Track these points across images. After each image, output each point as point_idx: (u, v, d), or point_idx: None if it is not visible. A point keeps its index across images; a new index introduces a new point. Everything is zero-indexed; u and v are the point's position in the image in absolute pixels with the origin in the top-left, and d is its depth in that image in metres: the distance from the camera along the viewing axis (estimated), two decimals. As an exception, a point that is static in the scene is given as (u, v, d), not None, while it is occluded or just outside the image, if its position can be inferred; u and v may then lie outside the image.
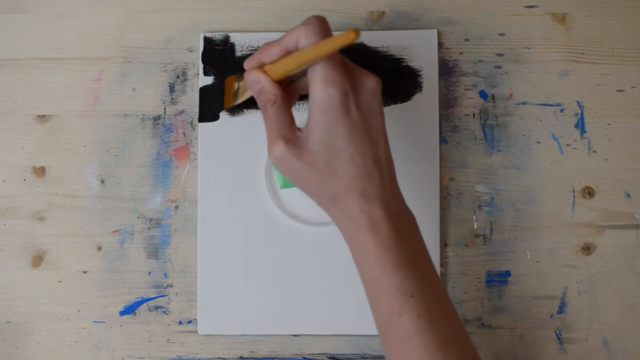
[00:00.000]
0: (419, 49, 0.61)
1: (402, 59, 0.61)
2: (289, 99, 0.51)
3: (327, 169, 0.48)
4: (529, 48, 0.62)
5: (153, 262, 0.61)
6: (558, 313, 0.61)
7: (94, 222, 0.62)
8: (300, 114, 0.60)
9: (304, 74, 0.50)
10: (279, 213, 0.60)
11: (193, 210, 0.61)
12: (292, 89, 0.52)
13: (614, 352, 0.60)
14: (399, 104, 0.61)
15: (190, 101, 0.62)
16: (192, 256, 0.61)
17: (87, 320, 0.61)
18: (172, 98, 0.62)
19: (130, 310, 0.61)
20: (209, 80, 0.61)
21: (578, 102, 0.62)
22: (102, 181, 0.62)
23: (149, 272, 0.61)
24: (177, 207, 0.62)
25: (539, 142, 0.62)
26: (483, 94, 0.62)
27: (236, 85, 0.55)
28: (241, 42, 0.62)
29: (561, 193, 0.61)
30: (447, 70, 0.62)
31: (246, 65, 0.51)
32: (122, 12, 0.63)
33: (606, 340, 0.60)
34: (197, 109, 0.62)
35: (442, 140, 0.61)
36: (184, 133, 0.62)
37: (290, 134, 0.48)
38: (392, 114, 0.61)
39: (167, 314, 0.61)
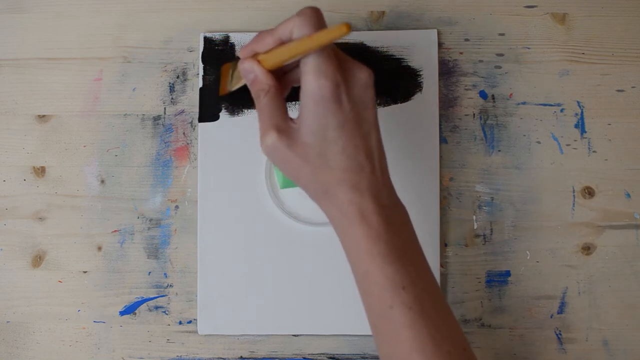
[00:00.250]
0: (419, 49, 0.61)
1: (402, 59, 0.61)
2: (283, 90, 0.51)
3: (319, 161, 0.48)
4: (529, 48, 0.62)
5: (153, 262, 0.61)
6: (558, 313, 0.61)
7: (94, 222, 0.62)
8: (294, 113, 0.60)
9: (297, 65, 0.50)
10: (279, 213, 0.60)
11: (193, 210, 0.61)
12: (285, 79, 0.52)
13: (614, 352, 0.60)
14: (399, 104, 0.61)
15: (190, 101, 0.62)
16: (192, 256, 0.61)
17: (87, 320, 0.61)
18: (172, 98, 0.62)
19: (130, 310, 0.61)
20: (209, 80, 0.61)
21: (578, 102, 0.62)
22: (102, 181, 0.62)
23: (149, 272, 0.61)
24: (177, 207, 0.62)
25: (539, 142, 0.62)
26: (483, 94, 0.62)
27: (230, 72, 0.55)
28: (241, 42, 0.62)
29: (561, 193, 0.61)
30: (447, 70, 0.62)
31: (240, 54, 0.51)
32: (122, 12, 0.63)
33: (606, 340, 0.60)
34: (197, 109, 0.62)
35: (442, 140, 0.61)
36: (184, 133, 0.62)
37: (282, 124, 0.48)
38: (392, 114, 0.61)
39: (167, 314, 0.61)
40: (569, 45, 0.62)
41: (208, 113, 0.61)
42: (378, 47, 0.61)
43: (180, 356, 0.61)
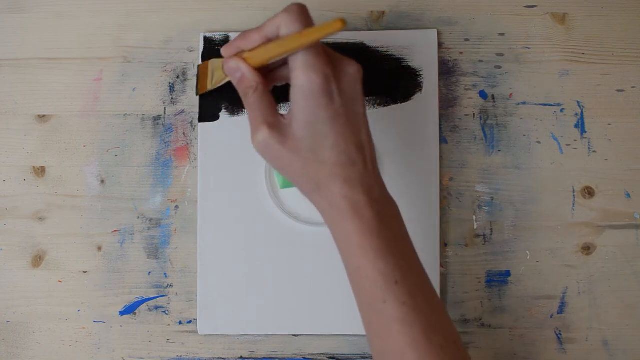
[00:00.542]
0: (419, 49, 0.61)
1: (402, 59, 0.61)
2: (268, 86, 0.51)
3: (311, 155, 0.48)
4: (529, 48, 0.62)
5: (153, 262, 0.61)
6: (558, 313, 0.61)
7: (94, 222, 0.62)
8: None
9: (283, 62, 0.50)
10: (279, 213, 0.60)
11: (193, 210, 0.61)
12: (271, 76, 0.52)
13: (614, 352, 0.60)
14: (399, 104, 0.61)
15: (190, 101, 0.62)
16: (192, 256, 0.61)
17: (87, 320, 0.61)
18: (172, 98, 0.62)
19: (130, 310, 0.61)
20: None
21: (578, 102, 0.62)
22: (102, 181, 0.62)
23: (149, 272, 0.61)
24: (177, 207, 0.62)
25: (539, 142, 0.62)
26: (483, 94, 0.62)
27: (211, 71, 0.55)
28: (241, 42, 0.61)
29: (561, 193, 0.61)
30: (447, 70, 0.62)
31: (224, 52, 0.51)
32: (122, 12, 0.63)
33: (606, 340, 0.60)
34: (197, 109, 0.62)
35: (442, 140, 0.61)
36: (184, 133, 0.62)
37: (273, 120, 0.48)
38: (392, 114, 0.61)
39: (167, 314, 0.61)
40: (569, 45, 0.62)
41: (208, 113, 0.61)
42: (378, 47, 0.61)
43: (180, 356, 0.61)
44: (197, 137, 0.61)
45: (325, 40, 0.50)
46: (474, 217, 0.61)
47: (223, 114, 0.61)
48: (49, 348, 0.61)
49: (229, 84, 0.52)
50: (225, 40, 0.61)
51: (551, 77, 0.62)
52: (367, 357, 0.61)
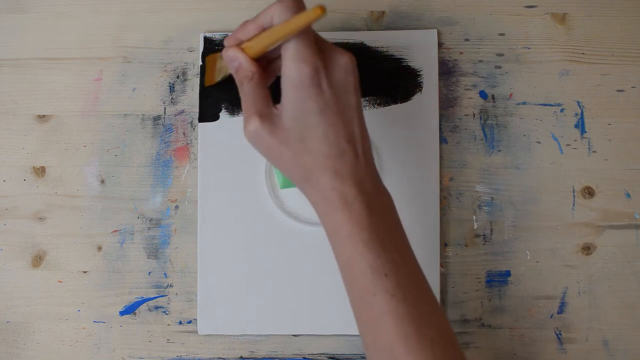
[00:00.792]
0: (419, 49, 0.61)
1: (402, 59, 0.61)
2: (267, 78, 0.51)
3: (300, 146, 0.48)
4: (529, 48, 0.62)
5: (153, 262, 0.61)
6: (558, 313, 0.61)
7: (94, 222, 0.62)
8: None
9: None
10: (279, 213, 0.60)
11: (193, 210, 0.61)
12: (270, 68, 0.52)
13: (614, 352, 0.60)
14: (399, 104, 0.61)
15: (190, 101, 0.62)
16: (192, 256, 0.61)
17: (87, 320, 0.61)
18: (172, 98, 0.62)
19: (130, 310, 0.61)
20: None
21: (578, 102, 0.62)
22: (102, 181, 0.62)
23: (149, 272, 0.61)
24: (177, 207, 0.62)
25: (539, 142, 0.62)
26: (483, 94, 0.62)
27: (218, 63, 0.56)
28: (241, 42, 0.61)
29: (561, 193, 0.61)
30: (447, 70, 0.62)
31: (226, 42, 0.51)
32: (122, 12, 0.63)
33: (606, 340, 0.60)
34: (197, 109, 0.62)
35: (442, 140, 0.61)
36: (184, 133, 0.62)
37: (265, 111, 0.48)
38: (392, 114, 0.61)
39: (167, 314, 0.61)
40: (569, 45, 0.62)
41: (208, 113, 0.61)
42: (378, 47, 0.61)
43: (180, 356, 0.61)
44: (197, 137, 0.61)
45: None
46: (474, 217, 0.61)
47: (223, 114, 0.61)
48: (49, 348, 0.61)
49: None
50: (225, 40, 0.61)
51: (551, 77, 0.62)
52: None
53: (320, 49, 0.48)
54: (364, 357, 0.61)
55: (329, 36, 0.46)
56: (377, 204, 0.48)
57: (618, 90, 0.62)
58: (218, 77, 0.56)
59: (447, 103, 0.62)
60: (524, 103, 0.62)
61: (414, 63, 0.61)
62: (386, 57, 0.61)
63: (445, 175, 0.61)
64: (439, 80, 0.62)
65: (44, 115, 0.62)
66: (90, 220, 0.62)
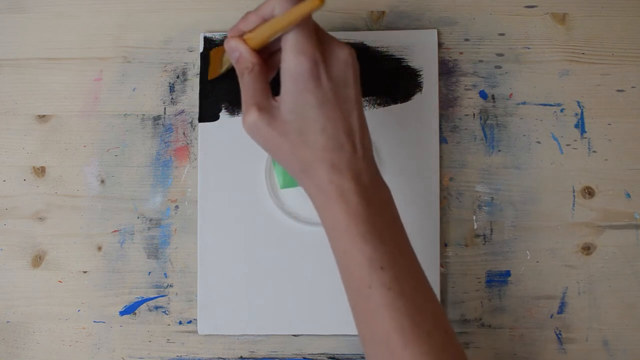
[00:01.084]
0: (419, 49, 0.61)
1: (402, 59, 0.61)
2: (269, 71, 0.51)
3: (299, 139, 0.48)
4: (529, 48, 0.62)
5: (153, 262, 0.61)
6: (558, 313, 0.61)
7: (94, 222, 0.62)
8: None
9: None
10: (279, 213, 0.60)
11: (193, 210, 0.61)
12: (272, 61, 0.52)
13: (614, 352, 0.60)
14: (399, 104, 0.61)
15: (190, 101, 0.62)
16: (192, 256, 0.61)
17: (87, 320, 0.61)
18: (172, 98, 0.62)
19: (130, 310, 0.61)
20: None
21: (578, 102, 0.62)
22: (102, 181, 0.62)
23: (149, 272, 0.61)
24: (177, 207, 0.62)
25: (539, 142, 0.62)
26: (483, 94, 0.62)
27: (221, 55, 0.56)
28: (241, 42, 0.61)
29: (561, 193, 0.61)
30: (447, 70, 0.62)
31: (228, 34, 0.51)
32: (122, 12, 0.63)
33: (606, 340, 0.60)
34: (197, 109, 0.62)
35: (442, 140, 0.61)
36: (184, 133, 0.62)
37: (264, 102, 0.48)
38: (392, 114, 0.61)
39: (167, 314, 0.61)
40: (569, 45, 0.62)
41: (208, 113, 0.61)
42: (378, 47, 0.61)
43: (180, 356, 0.61)
44: (197, 137, 0.62)
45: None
46: (474, 217, 0.61)
47: (223, 114, 0.61)
48: (49, 348, 0.61)
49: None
50: (225, 40, 0.61)
51: (551, 77, 0.62)
52: (367, 357, 0.61)
53: (320, 41, 0.48)
54: (364, 357, 0.61)
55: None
56: (374, 197, 0.48)
57: (618, 90, 0.62)
58: (222, 69, 0.56)
59: (447, 103, 0.62)
60: (524, 103, 0.62)
61: (414, 63, 0.61)
62: (386, 57, 0.61)
63: (445, 175, 0.61)
64: (439, 80, 0.62)
65: (44, 115, 0.62)
66: (90, 220, 0.62)
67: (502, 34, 0.62)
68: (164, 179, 0.62)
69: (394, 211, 0.49)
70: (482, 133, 0.62)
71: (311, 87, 0.47)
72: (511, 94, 0.62)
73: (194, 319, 0.61)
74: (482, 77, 0.62)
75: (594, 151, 0.61)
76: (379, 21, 0.62)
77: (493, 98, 0.62)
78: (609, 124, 0.62)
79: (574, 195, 0.61)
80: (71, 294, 0.61)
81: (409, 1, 0.63)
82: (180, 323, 0.61)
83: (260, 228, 0.61)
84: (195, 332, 0.61)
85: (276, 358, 0.61)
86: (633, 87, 0.62)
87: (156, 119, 0.62)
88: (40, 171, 0.62)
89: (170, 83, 0.62)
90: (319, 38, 0.48)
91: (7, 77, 0.63)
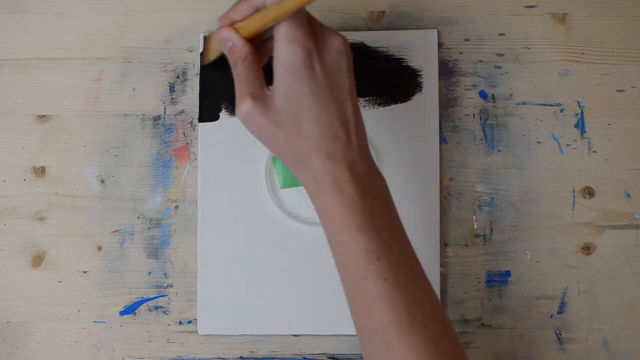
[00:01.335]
0: (419, 49, 0.61)
1: (402, 59, 0.61)
2: (260, 58, 0.51)
3: (293, 128, 0.47)
4: (529, 48, 0.62)
5: (153, 262, 0.61)
6: (558, 313, 0.61)
7: (94, 222, 0.62)
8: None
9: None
10: (279, 213, 0.60)
11: (193, 210, 0.61)
12: (263, 48, 0.52)
13: (614, 352, 0.60)
14: (399, 104, 0.61)
15: (190, 101, 0.62)
16: (192, 256, 0.61)
17: (87, 320, 0.61)
18: (172, 98, 0.62)
19: (130, 310, 0.61)
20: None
21: (578, 102, 0.62)
22: (102, 181, 0.62)
23: (149, 272, 0.61)
24: (177, 207, 0.62)
25: (539, 142, 0.62)
26: (483, 94, 0.62)
27: (214, 42, 0.55)
28: (241, 42, 0.61)
29: (561, 193, 0.61)
30: (447, 70, 0.62)
31: (219, 22, 0.51)
32: (122, 12, 0.63)
33: (606, 340, 0.60)
34: (197, 109, 0.62)
35: (442, 140, 0.61)
36: (184, 133, 0.62)
37: (258, 92, 0.48)
38: (392, 114, 0.61)
39: (167, 314, 0.61)
40: (569, 45, 0.62)
41: (208, 113, 0.61)
42: (378, 47, 0.61)
43: (180, 356, 0.61)
44: (197, 137, 0.61)
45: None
46: (474, 217, 0.61)
47: (223, 114, 0.61)
48: (49, 348, 0.61)
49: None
50: (225, 40, 0.61)
51: (551, 77, 0.62)
52: (367, 357, 0.61)
53: (313, 30, 0.48)
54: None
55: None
56: (370, 187, 0.48)
57: (618, 90, 0.62)
58: (212, 56, 0.55)
59: (447, 103, 0.62)
60: (524, 103, 0.62)
61: (414, 63, 0.61)
62: (386, 57, 0.61)
63: (445, 175, 0.61)
64: (439, 80, 0.62)
65: (44, 115, 0.62)
66: (90, 220, 0.62)
67: (502, 34, 0.62)
68: (164, 179, 0.62)
69: (388, 200, 0.49)
70: (482, 133, 0.62)
71: (304, 76, 0.47)
72: (511, 94, 0.62)
73: (194, 319, 0.61)
74: (482, 77, 0.62)
75: (594, 151, 0.61)
76: (379, 21, 0.62)
77: (493, 98, 0.62)
78: (609, 124, 0.62)
79: (574, 195, 0.61)
80: (71, 294, 0.61)
81: (409, 1, 0.63)
82: (180, 323, 0.61)
83: (260, 228, 0.61)
84: (195, 332, 0.61)
85: (276, 358, 0.61)
86: (633, 87, 0.62)
87: (156, 119, 0.62)
88: (40, 171, 0.62)
89: (170, 83, 0.62)
90: (311, 27, 0.48)
91: (7, 77, 0.63)
